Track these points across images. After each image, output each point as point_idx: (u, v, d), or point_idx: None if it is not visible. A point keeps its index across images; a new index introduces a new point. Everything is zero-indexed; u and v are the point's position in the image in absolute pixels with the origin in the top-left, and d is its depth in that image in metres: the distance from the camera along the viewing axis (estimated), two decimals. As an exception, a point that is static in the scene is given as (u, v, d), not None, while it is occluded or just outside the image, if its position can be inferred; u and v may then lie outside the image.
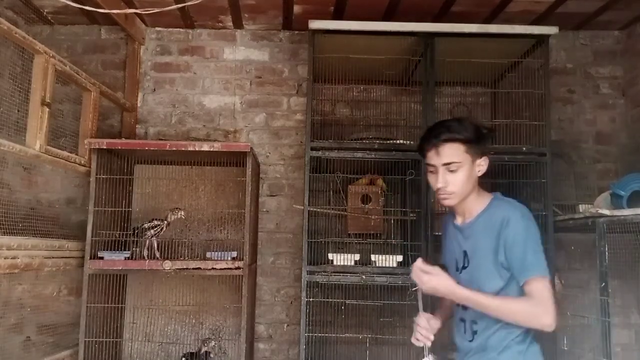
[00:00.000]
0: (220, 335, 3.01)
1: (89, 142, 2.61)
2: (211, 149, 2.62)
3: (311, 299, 2.49)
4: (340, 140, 2.72)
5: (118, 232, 2.78)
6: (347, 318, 2.90)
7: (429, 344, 1.68)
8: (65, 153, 2.44)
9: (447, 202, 1.69)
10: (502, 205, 1.66)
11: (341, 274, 2.51)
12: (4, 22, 1.98)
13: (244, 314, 2.56)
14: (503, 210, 1.62)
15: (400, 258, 2.58)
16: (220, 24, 3.22)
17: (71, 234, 2.68)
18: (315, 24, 2.57)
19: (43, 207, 3.00)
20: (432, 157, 1.66)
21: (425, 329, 1.69)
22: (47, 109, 2.24)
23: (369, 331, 2.89)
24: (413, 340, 1.72)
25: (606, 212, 2.23)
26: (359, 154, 2.57)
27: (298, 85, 3.25)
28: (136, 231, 2.67)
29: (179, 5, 2.77)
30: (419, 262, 1.61)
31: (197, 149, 2.62)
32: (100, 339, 2.63)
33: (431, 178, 1.69)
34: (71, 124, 2.74)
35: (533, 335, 1.64)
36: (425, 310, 1.73)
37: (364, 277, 2.49)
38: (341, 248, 2.75)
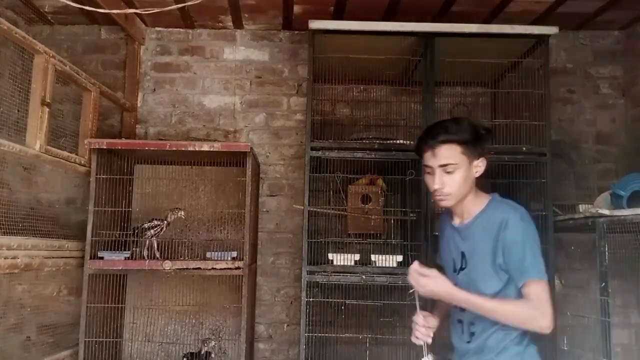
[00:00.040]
0: (220, 335, 3.01)
1: (89, 142, 2.61)
2: (211, 149, 2.62)
3: (311, 299, 2.50)
4: (340, 140, 2.73)
5: (118, 232, 2.77)
6: (347, 318, 2.90)
7: (429, 340, 1.68)
8: (65, 153, 2.44)
9: (443, 204, 1.69)
10: (500, 207, 1.65)
11: (341, 274, 2.51)
12: (4, 22, 1.98)
13: (244, 314, 2.56)
14: (502, 212, 1.62)
15: (400, 258, 2.58)
16: (220, 24, 3.22)
17: (71, 234, 2.68)
18: (315, 24, 2.57)
19: (43, 207, 3.00)
20: (429, 158, 1.66)
21: (423, 327, 1.69)
22: (47, 109, 2.24)
23: (369, 331, 2.89)
24: (412, 339, 1.72)
25: (606, 212, 2.23)
26: (359, 154, 2.57)
27: (298, 85, 3.25)
28: (136, 231, 2.67)
29: (179, 5, 2.77)
30: (416, 265, 1.61)
31: (197, 149, 2.62)
32: (100, 339, 2.63)
33: (428, 179, 1.69)
34: (71, 124, 2.74)
35: (531, 336, 1.64)
36: (423, 309, 1.73)
37: (364, 277, 2.49)
38: (341, 248, 2.75)
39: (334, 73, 2.69)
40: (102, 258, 2.57)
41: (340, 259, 2.57)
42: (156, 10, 2.51)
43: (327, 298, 2.62)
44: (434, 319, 1.75)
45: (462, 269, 1.70)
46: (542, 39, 2.61)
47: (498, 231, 1.59)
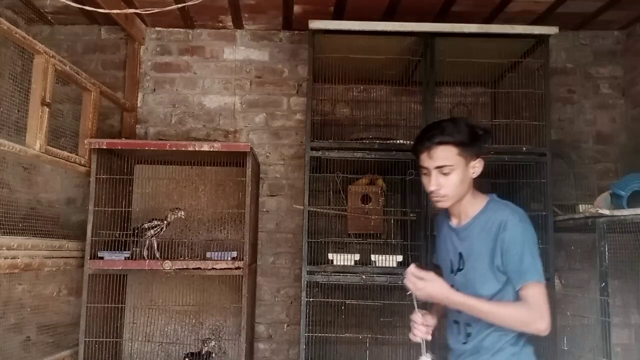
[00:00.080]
0: (220, 335, 3.01)
1: (89, 142, 2.61)
2: (211, 149, 2.62)
3: (311, 299, 2.49)
4: (340, 140, 2.72)
5: (118, 232, 2.77)
6: (347, 318, 2.90)
7: (428, 337, 1.68)
8: (65, 153, 2.44)
9: (440, 205, 1.69)
10: (499, 208, 1.65)
11: (341, 274, 2.51)
12: (4, 22, 1.98)
13: (244, 314, 2.56)
14: (500, 214, 1.61)
15: (400, 258, 2.58)
16: (220, 24, 3.22)
17: (71, 234, 2.68)
18: (315, 24, 2.57)
19: (43, 207, 3.00)
20: (425, 160, 1.65)
21: (422, 325, 1.69)
22: (47, 109, 2.24)
23: (369, 331, 2.89)
24: (411, 337, 1.72)
25: (606, 212, 2.23)
26: (359, 154, 2.57)
27: (298, 85, 3.25)
28: (136, 231, 2.67)
29: (179, 5, 2.78)
30: (413, 268, 1.60)
31: (197, 149, 2.62)
32: (100, 339, 2.63)
33: (424, 180, 1.69)
34: (71, 124, 2.74)
35: (528, 337, 1.63)
36: (424, 309, 1.73)
37: (364, 277, 2.49)
38: (341, 248, 2.75)
39: (334, 73, 2.69)
40: (102, 258, 2.56)
41: (340, 259, 2.57)
42: (156, 10, 2.52)
43: (327, 298, 2.62)
44: (432, 318, 1.75)
45: (459, 269, 1.70)
46: (542, 39, 2.61)
47: (497, 233, 1.58)
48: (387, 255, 2.59)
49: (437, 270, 1.79)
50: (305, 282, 2.47)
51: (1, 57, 2.51)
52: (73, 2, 2.21)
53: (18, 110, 2.32)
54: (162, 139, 3.17)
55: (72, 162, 2.49)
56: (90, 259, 2.53)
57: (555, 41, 3.12)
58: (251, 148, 2.66)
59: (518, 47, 2.71)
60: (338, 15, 2.98)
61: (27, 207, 2.88)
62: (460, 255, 1.70)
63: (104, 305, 2.66)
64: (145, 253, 2.62)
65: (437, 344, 1.99)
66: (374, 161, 2.61)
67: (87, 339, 2.51)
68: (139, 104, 3.21)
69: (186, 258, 2.80)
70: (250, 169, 2.65)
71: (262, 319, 3.09)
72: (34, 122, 2.19)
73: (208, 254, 2.67)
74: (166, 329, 3.02)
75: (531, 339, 1.65)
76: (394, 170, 2.62)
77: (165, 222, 2.65)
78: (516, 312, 1.54)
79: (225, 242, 2.90)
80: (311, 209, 2.56)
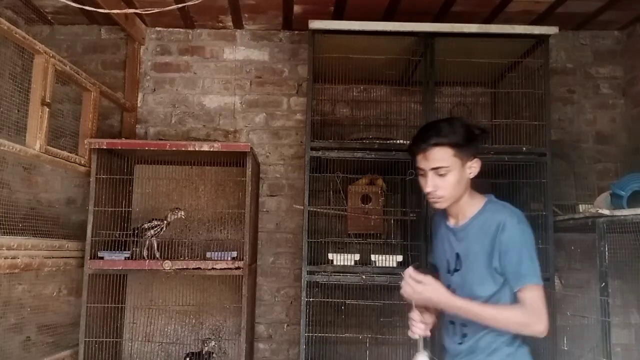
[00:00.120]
0: (220, 335, 3.01)
1: (89, 142, 2.61)
2: (211, 149, 2.62)
3: (311, 299, 2.49)
4: (340, 140, 2.73)
5: (118, 232, 2.77)
6: (347, 318, 2.90)
7: (428, 334, 1.68)
8: (65, 153, 2.44)
9: (437, 206, 1.68)
10: (497, 209, 1.64)
11: (341, 274, 2.51)
12: (4, 22, 1.98)
13: (244, 314, 2.56)
14: (499, 215, 1.61)
15: (400, 258, 2.58)
16: (220, 24, 3.22)
17: (71, 234, 2.68)
18: (315, 24, 2.57)
19: (43, 207, 3.00)
20: (421, 161, 1.65)
21: (420, 322, 1.68)
22: (47, 109, 2.24)
23: (369, 331, 2.89)
24: (409, 334, 1.71)
25: (606, 212, 2.23)
26: (359, 154, 2.56)
27: (298, 85, 3.25)
28: (136, 231, 2.67)
29: (179, 5, 2.78)
30: (411, 271, 1.60)
31: (197, 149, 2.62)
32: (100, 339, 2.63)
33: (421, 181, 1.68)
34: (71, 124, 2.74)
35: (522, 337, 1.63)
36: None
37: (364, 277, 2.49)
38: (341, 248, 2.75)
39: (334, 73, 2.69)
40: (102, 258, 2.57)
41: (340, 259, 2.57)
42: (156, 10, 2.52)
43: (327, 298, 2.62)
44: (430, 316, 1.75)
45: (456, 270, 1.69)
46: (542, 39, 2.61)
47: (495, 234, 1.58)
48: (387, 255, 2.59)
49: (436, 271, 1.79)
50: (305, 282, 2.47)
51: (1, 57, 2.51)
52: (73, 2, 2.21)
53: (18, 110, 2.32)
54: (162, 139, 3.17)
55: (72, 162, 2.49)
56: (90, 259, 2.53)
57: (555, 41, 3.12)
58: (251, 148, 2.66)
59: (518, 47, 2.71)
60: (338, 15, 2.98)
61: (27, 207, 2.88)
62: (458, 255, 1.69)
63: (104, 305, 2.66)
64: (145, 253, 2.62)
65: (439, 343, 1.99)
66: (374, 161, 2.61)
67: (87, 339, 2.51)
68: (139, 104, 3.21)
69: (186, 258, 2.80)
70: (250, 169, 2.65)
71: (262, 319, 3.09)
72: (34, 122, 2.19)
73: (208, 254, 2.67)
74: (166, 329, 3.02)
75: (527, 339, 1.65)
76: (394, 170, 2.62)
77: (165, 222, 2.65)
78: (515, 315, 1.54)
79: (225, 242, 2.90)
80: (311, 209, 2.56)
